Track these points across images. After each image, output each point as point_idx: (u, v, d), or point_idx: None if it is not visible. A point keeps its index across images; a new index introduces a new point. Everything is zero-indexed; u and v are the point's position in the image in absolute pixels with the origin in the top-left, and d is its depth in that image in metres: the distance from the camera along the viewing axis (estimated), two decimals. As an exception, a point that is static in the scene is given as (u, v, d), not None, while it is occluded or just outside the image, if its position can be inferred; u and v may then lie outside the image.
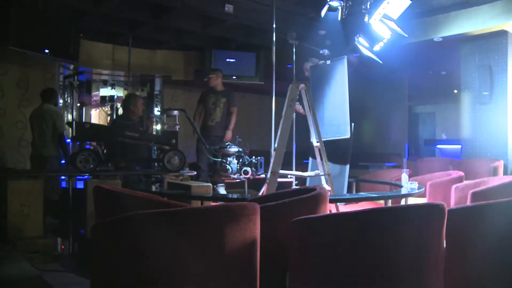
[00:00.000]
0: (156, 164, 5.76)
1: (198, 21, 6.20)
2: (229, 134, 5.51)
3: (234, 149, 4.22)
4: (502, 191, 3.11)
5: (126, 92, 8.30)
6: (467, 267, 1.99)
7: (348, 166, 5.08)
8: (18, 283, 2.64)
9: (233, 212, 1.70)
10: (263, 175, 4.37)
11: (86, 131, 4.07)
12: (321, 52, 5.40)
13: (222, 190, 4.78)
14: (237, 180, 4.35)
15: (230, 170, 4.11)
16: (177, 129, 4.32)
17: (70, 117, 7.25)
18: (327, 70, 5.48)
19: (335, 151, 5.00)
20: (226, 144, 4.43)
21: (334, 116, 5.29)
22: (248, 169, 4.11)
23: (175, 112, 4.33)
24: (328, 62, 5.40)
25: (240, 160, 4.21)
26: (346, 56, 5.21)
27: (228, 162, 4.14)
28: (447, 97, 10.65)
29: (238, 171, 4.15)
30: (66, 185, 5.08)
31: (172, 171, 4.18)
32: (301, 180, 5.07)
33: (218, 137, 5.47)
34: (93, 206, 2.47)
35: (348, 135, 5.11)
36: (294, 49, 5.22)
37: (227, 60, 7.12)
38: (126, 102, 5.23)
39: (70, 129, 4.36)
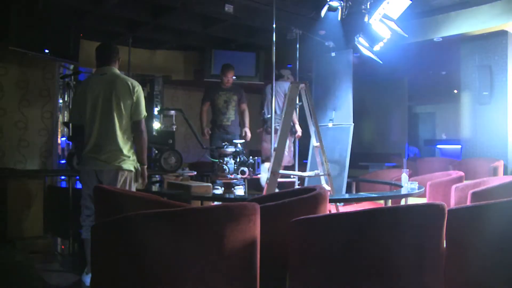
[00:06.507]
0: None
1: (198, 21, 6.20)
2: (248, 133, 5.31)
3: (231, 149, 4.20)
4: (502, 191, 3.11)
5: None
6: (467, 267, 1.99)
7: (347, 166, 5.09)
8: (18, 283, 2.64)
9: (233, 212, 1.70)
10: (260, 175, 4.35)
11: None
12: (326, 44, 5.39)
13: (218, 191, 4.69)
14: (234, 180, 4.33)
15: (227, 170, 4.10)
16: (174, 129, 4.30)
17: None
18: (331, 63, 5.50)
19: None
20: (223, 144, 4.41)
21: (338, 107, 5.32)
22: (245, 169, 4.10)
23: (172, 112, 4.31)
24: (333, 54, 5.40)
25: (237, 160, 4.19)
26: (352, 49, 5.22)
27: (225, 162, 4.12)
28: (447, 97, 10.64)
29: (235, 171, 4.14)
30: (66, 185, 5.08)
31: (169, 171, 4.17)
32: (302, 180, 5.07)
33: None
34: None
35: (349, 129, 5.15)
36: (297, 43, 5.17)
37: (227, 60, 7.12)
38: None
39: (67, 129, 4.35)
